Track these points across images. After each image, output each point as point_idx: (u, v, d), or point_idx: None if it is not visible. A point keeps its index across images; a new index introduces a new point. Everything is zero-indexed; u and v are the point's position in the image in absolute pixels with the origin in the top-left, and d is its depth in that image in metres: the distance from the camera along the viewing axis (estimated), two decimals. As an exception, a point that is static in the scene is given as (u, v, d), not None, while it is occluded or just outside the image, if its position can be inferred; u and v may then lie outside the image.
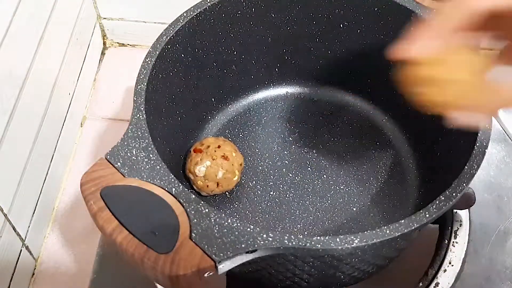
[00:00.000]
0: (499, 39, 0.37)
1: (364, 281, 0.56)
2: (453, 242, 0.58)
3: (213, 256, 0.41)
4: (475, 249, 0.58)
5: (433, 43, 0.35)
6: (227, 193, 0.62)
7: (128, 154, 0.46)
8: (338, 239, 0.42)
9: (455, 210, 0.59)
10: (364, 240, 0.42)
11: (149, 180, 0.45)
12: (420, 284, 0.56)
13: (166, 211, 0.43)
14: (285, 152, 0.65)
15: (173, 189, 0.44)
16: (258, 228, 0.42)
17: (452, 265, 0.57)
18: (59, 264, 0.73)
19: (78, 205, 0.77)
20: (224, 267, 0.41)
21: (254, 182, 0.63)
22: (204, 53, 0.60)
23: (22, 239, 0.69)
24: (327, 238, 0.42)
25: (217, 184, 0.60)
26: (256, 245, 0.41)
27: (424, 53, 0.36)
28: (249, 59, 0.65)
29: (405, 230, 0.43)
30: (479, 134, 0.48)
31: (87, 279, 0.59)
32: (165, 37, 0.54)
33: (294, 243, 0.42)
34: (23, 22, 0.65)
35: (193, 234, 0.42)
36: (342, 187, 0.63)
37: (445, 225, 0.59)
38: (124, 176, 0.45)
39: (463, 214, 0.59)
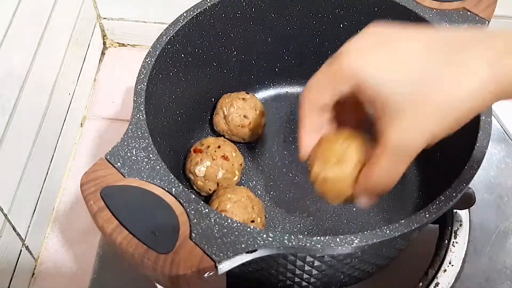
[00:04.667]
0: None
1: (364, 281, 0.56)
2: (453, 242, 0.58)
3: (213, 256, 0.41)
4: (475, 249, 0.58)
5: (314, 134, 0.40)
6: (227, 193, 0.62)
7: (128, 154, 0.46)
8: (338, 239, 0.42)
9: (455, 210, 0.59)
10: (364, 240, 0.42)
11: (149, 180, 0.45)
12: (420, 284, 0.56)
13: (166, 211, 0.43)
14: (285, 152, 0.65)
15: (173, 189, 0.44)
16: (258, 228, 0.42)
17: (452, 265, 0.57)
18: (59, 264, 0.73)
19: (78, 205, 0.77)
20: (224, 267, 0.41)
21: (254, 182, 0.63)
22: (204, 53, 0.60)
23: (22, 239, 0.69)
24: (327, 238, 0.42)
25: (217, 184, 0.60)
26: (256, 245, 0.41)
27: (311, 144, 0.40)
28: (249, 59, 0.65)
29: (405, 230, 0.43)
30: (479, 134, 0.48)
31: (87, 279, 0.59)
32: (165, 37, 0.54)
33: (294, 243, 0.42)
34: (23, 22, 0.65)
35: (193, 234, 0.42)
36: (342, 187, 0.62)
37: (445, 225, 0.59)
38: (124, 176, 0.45)
39: (463, 214, 0.59)
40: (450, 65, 0.33)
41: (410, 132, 0.34)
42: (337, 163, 0.39)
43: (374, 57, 0.35)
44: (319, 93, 0.38)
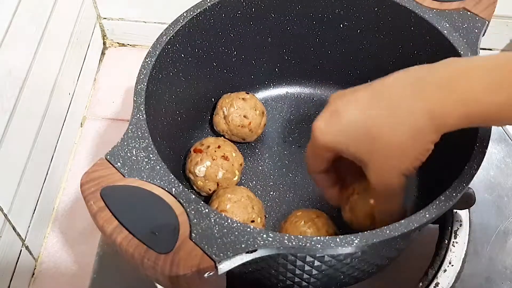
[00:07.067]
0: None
1: (364, 281, 0.56)
2: (453, 242, 0.58)
3: (213, 256, 0.41)
4: (475, 249, 0.58)
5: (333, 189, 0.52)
6: (227, 193, 0.62)
7: (128, 154, 0.46)
8: (338, 239, 0.42)
9: (455, 210, 0.59)
10: (364, 240, 0.42)
11: (149, 180, 0.45)
12: (420, 284, 0.56)
13: (166, 211, 0.43)
14: (285, 152, 0.65)
15: (173, 189, 0.44)
16: (258, 228, 0.42)
17: (452, 265, 0.57)
18: (59, 264, 0.73)
19: (78, 205, 0.77)
20: (224, 267, 0.41)
21: (254, 182, 0.63)
22: (204, 53, 0.60)
23: (22, 239, 0.69)
24: (327, 238, 0.42)
25: (217, 184, 0.60)
26: (256, 245, 0.41)
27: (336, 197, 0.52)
28: (249, 59, 0.65)
29: (405, 230, 0.43)
30: (479, 134, 0.48)
31: (87, 279, 0.59)
32: (165, 37, 0.54)
33: (294, 243, 0.42)
34: (23, 22, 0.66)
35: (193, 234, 0.42)
36: (342, 187, 0.62)
37: (445, 225, 0.59)
38: (124, 176, 0.45)
39: (463, 214, 0.59)
40: (391, 116, 0.42)
41: (379, 175, 0.44)
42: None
43: (334, 130, 0.44)
44: (314, 163, 0.49)
